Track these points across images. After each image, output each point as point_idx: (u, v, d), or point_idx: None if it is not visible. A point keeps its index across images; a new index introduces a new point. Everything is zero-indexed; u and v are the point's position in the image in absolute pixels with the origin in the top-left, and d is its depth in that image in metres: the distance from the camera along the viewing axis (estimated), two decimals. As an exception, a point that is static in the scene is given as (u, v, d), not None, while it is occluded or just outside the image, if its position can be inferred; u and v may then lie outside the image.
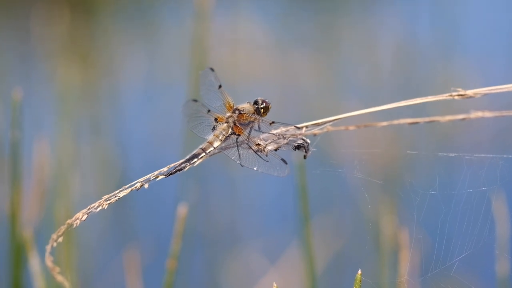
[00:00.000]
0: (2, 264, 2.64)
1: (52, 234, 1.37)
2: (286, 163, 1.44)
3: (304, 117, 4.28)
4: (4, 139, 2.85)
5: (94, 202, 1.40)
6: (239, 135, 1.48)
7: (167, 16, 6.21)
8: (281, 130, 1.47)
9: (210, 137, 1.49)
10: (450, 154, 1.55)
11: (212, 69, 1.54)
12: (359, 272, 1.32)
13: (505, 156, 1.50)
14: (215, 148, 1.47)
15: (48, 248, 1.32)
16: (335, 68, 5.11)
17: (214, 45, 4.51)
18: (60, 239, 1.34)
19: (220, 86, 1.53)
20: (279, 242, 3.38)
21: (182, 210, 1.85)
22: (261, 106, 1.51)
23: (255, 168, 1.45)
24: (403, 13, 5.54)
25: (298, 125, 1.46)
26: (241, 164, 1.46)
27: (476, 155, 1.50)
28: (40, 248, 2.05)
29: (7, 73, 5.00)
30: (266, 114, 1.51)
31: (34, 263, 2.00)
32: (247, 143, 1.46)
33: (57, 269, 1.32)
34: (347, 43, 5.51)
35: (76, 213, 1.39)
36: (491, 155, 1.49)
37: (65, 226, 1.35)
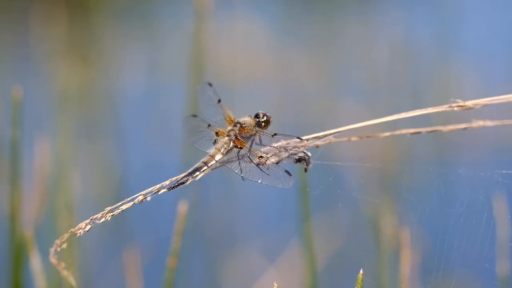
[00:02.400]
0: (2, 263, 2.64)
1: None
2: (290, 175, 1.44)
3: (304, 119, 4.29)
4: (4, 139, 2.85)
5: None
6: (241, 148, 1.48)
7: (166, 16, 6.21)
8: (282, 142, 1.47)
9: (212, 151, 1.49)
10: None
11: (210, 84, 1.55)
12: (361, 272, 1.31)
13: (504, 171, 1.51)
14: (217, 161, 1.48)
15: (52, 251, 1.33)
16: (335, 69, 5.11)
17: (213, 45, 4.51)
18: (64, 246, 1.35)
19: (219, 101, 1.53)
20: (279, 241, 3.38)
21: (182, 208, 1.85)
22: (262, 120, 1.52)
23: (259, 181, 1.45)
24: (403, 15, 5.54)
25: (301, 137, 1.46)
26: (242, 178, 1.47)
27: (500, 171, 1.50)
28: (40, 248, 2.05)
29: (5, 74, 5.00)
30: (267, 128, 1.52)
31: (34, 263, 2.00)
32: (249, 156, 1.47)
33: (62, 264, 1.33)
34: (346, 44, 5.51)
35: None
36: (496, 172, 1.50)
37: (68, 234, 1.36)
